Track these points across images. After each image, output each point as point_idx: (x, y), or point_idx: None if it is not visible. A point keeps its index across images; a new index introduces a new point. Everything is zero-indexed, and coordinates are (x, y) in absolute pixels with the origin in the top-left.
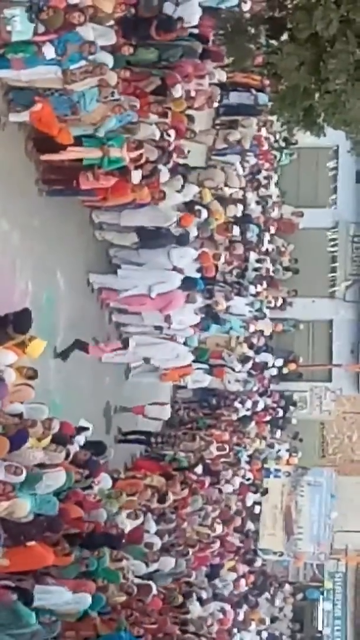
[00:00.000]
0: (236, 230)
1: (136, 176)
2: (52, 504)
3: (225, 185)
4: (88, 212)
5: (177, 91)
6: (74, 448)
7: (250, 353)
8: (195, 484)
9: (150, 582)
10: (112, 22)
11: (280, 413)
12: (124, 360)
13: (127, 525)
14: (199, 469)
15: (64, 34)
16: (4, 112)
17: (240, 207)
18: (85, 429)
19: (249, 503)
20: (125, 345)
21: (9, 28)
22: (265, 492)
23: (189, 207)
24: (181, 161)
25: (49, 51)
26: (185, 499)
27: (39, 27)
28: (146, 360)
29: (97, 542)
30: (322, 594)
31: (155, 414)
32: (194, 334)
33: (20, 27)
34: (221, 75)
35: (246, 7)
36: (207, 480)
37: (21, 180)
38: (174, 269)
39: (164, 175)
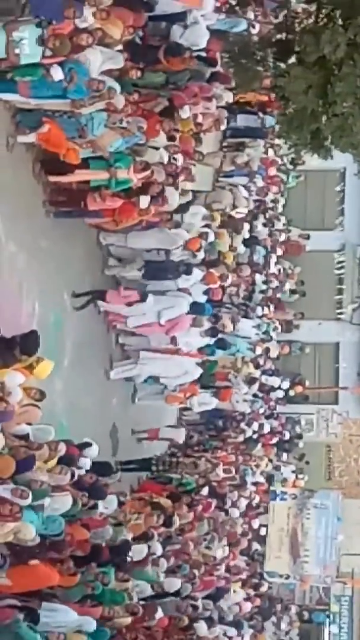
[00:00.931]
0: (243, 251)
1: (144, 201)
2: (57, 523)
3: (233, 207)
4: (95, 233)
5: (185, 112)
6: (80, 472)
7: (257, 374)
8: (201, 506)
9: (156, 603)
10: (120, 47)
11: (287, 436)
12: (132, 374)
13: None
14: (205, 491)
15: (72, 57)
16: (12, 134)
17: (247, 228)
18: (88, 444)
19: (255, 525)
20: (143, 298)
21: (17, 51)
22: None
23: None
24: (189, 185)
25: (57, 73)
26: (191, 523)
27: (46, 52)
28: (155, 378)
29: (103, 558)
30: (329, 617)
31: (170, 436)
32: (200, 359)
33: (29, 50)
34: (228, 97)
35: (255, 30)
36: (213, 502)
37: (28, 202)
38: (180, 290)
39: (172, 197)
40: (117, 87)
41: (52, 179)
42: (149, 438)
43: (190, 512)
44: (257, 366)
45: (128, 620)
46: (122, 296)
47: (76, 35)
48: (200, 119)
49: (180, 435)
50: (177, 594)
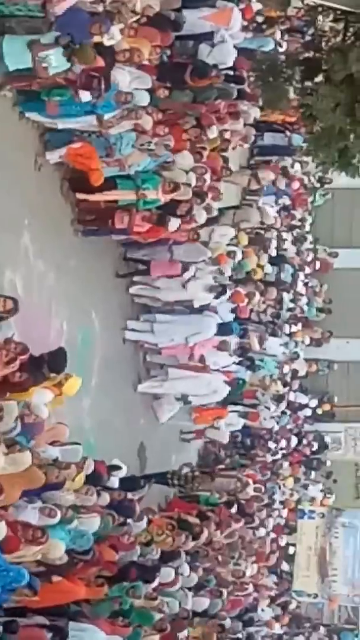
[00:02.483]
0: (270, 270)
1: (173, 225)
2: (86, 538)
3: (261, 224)
4: (123, 252)
5: (212, 132)
6: (106, 493)
7: (285, 391)
8: (229, 519)
9: (184, 620)
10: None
11: (315, 447)
12: (161, 391)
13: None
14: (233, 509)
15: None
16: (40, 153)
17: (275, 247)
18: (118, 467)
19: (282, 544)
20: (184, 270)
21: (44, 65)
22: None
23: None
24: (215, 204)
25: (85, 95)
26: (220, 539)
27: (74, 67)
28: (184, 397)
29: (132, 575)
30: (357, 636)
31: (215, 437)
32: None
33: (56, 62)
34: (255, 113)
35: (282, 49)
36: (242, 521)
37: (57, 220)
38: (208, 308)
39: (200, 215)
40: (147, 97)
41: (80, 196)
42: (195, 438)
43: (217, 530)
44: (285, 384)
45: (156, 638)
46: (167, 268)
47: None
48: (227, 135)
49: (224, 437)
50: (205, 613)
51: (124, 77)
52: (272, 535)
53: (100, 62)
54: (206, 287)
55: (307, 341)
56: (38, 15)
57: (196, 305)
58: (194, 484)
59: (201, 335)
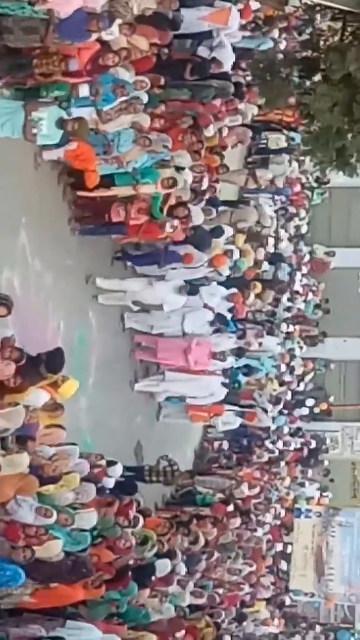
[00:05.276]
0: (267, 268)
1: (170, 226)
2: (82, 545)
3: (258, 224)
4: (120, 249)
5: (210, 131)
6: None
7: (282, 390)
8: (225, 517)
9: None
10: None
11: (312, 453)
12: (158, 390)
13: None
14: (230, 508)
15: (97, 77)
16: (38, 152)
17: (272, 244)
18: (113, 462)
19: (279, 543)
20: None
21: (34, 130)
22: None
23: None
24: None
25: (84, 90)
26: (216, 538)
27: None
28: (182, 398)
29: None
30: (353, 635)
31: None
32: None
33: (46, 131)
34: (253, 110)
35: (281, 47)
36: (238, 520)
37: (54, 220)
38: (205, 307)
39: (197, 215)
40: (145, 96)
41: (80, 193)
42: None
43: (214, 528)
44: (282, 383)
45: (153, 638)
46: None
47: (102, 56)
48: (225, 132)
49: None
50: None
51: (123, 75)
52: (269, 536)
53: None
54: (176, 288)
55: (304, 344)
56: (36, 16)
57: (166, 309)
58: (174, 479)
59: (198, 315)
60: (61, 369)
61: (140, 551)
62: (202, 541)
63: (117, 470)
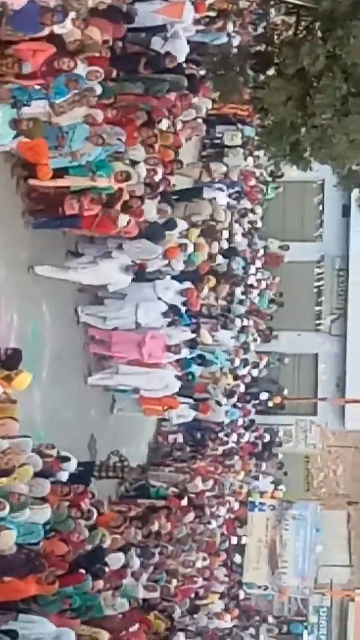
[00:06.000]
0: (221, 261)
1: (123, 220)
2: (35, 534)
3: (212, 218)
4: (74, 243)
5: (164, 125)
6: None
7: (235, 384)
8: (179, 511)
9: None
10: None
11: (265, 446)
12: (111, 383)
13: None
14: (184, 502)
15: (52, 80)
16: None
17: (226, 238)
18: (67, 458)
19: (233, 536)
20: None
21: None
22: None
23: None
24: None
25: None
26: (170, 531)
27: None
28: (135, 390)
29: (80, 565)
30: (307, 628)
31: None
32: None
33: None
34: (207, 104)
35: (236, 41)
36: (192, 513)
37: (7, 213)
38: (159, 300)
39: (150, 209)
40: (99, 87)
41: (33, 182)
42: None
43: (168, 521)
44: (235, 377)
45: (106, 636)
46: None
47: (57, 60)
48: (179, 126)
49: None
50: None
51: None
52: (223, 529)
53: (52, 49)
54: (122, 267)
55: (258, 338)
56: None
57: (111, 289)
58: (124, 475)
59: (152, 305)
60: (17, 367)
61: (92, 538)
62: (156, 527)
63: (71, 466)
